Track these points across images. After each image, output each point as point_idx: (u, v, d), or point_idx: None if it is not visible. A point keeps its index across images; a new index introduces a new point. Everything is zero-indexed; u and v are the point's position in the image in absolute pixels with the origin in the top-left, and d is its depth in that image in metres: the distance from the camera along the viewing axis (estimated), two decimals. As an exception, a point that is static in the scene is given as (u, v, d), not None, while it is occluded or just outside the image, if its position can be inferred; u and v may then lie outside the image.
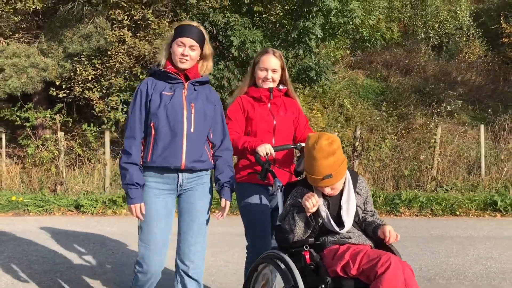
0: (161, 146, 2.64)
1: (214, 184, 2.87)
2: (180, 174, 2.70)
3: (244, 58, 9.86)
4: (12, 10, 9.32)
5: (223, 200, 2.78)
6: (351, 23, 10.96)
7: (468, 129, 12.37)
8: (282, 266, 2.43)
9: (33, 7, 9.17)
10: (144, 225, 2.66)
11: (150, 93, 2.70)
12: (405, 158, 9.60)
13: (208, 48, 2.86)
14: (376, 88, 15.66)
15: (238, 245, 4.71)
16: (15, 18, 9.56)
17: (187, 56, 2.72)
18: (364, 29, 11.32)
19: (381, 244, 2.52)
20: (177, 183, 2.71)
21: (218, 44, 10.63)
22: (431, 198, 7.57)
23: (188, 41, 2.72)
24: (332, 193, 2.52)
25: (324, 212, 2.52)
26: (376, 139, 9.81)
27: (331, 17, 10.38)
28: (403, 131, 10.75)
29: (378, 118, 11.97)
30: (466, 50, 19.56)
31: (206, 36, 2.84)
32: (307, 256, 2.44)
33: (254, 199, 3.02)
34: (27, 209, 7.22)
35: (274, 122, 3.08)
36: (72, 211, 7.27)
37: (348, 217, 2.53)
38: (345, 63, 16.74)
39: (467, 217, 7.14)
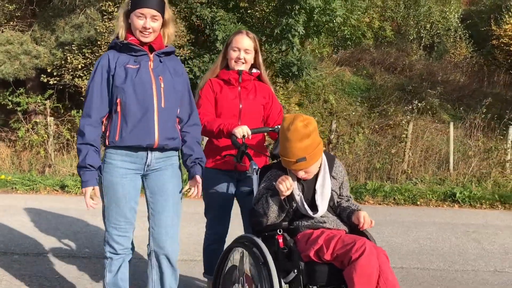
0: (131, 124, 2.47)
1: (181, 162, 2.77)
2: (149, 153, 2.55)
3: (229, 51, 10.32)
4: (7, -1, 9.77)
5: (197, 176, 2.62)
6: (334, 21, 11.41)
7: (446, 127, 12.88)
8: (255, 250, 2.39)
9: (28, -4, 9.63)
10: (112, 206, 2.53)
11: (113, 67, 2.50)
12: (378, 152, 10.10)
13: (168, 13, 2.63)
14: (361, 85, 16.11)
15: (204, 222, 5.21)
16: (10, 7, 10.01)
17: (149, 28, 2.52)
18: (346, 28, 11.74)
19: (355, 229, 2.50)
20: (145, 163, 2.56)
21: (205, 37, 11.11)
22: (395, 188, 8.07)
23: (148, 11, 2.50)
24: (306, 177, 2.47)
25: (298, 195, 2.48)
26: (350, 133, 10.32)
27: (314, 15, 10.85)
28: (376, 126, 11.26)
29: (353, 113, 12.49)
30: (453, 50, 20.05)
31: (166, 0, 2.62)
32: (280, 240, 2.41)
33: (219, 185, 3.02)
34: (15, 188, 7.69)
35: (240, 106, 3.02)
36: (57, 191, 7.74)
37: (322, 202, 2.49)
38: (333, 60, 17.19)
39: (426, 207, 7.63)
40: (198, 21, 10.54)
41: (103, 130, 2.56)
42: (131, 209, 2.58)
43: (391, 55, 18.66)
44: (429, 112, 12.70)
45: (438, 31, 20.42)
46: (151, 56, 2.57)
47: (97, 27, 9.74)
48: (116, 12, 9.87)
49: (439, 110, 14.22)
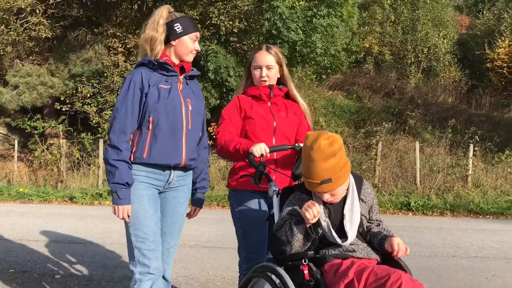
0: (161, 143, 2.50)
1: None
2: (173, 172, 2.60)
3: (220, 80, 11.69)
4: (27, 37, 11.33)
5: (192, 208, 2.81)
6: (316, 52, 12.74)
7: (424, 145, 14.03)
8: (277, 281, 2.20)
9: (45, 35, 11.18)
10: (139, 219, 2.48)
11: (146, 85, 2.51)
12: (352, 168, 11.30)
13: None
14: (351, 107, 17.29)
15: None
16: (30, 44, 11.58)
17: (197, 50, 2.70)
18: (326, 58, 13.04)
19: (388, 257, 2.26)
20: (167, 180, 2.60)
21: (200, 67, 12.54)
22: (356, 199, 9.22)
23: (198, 34, 2.68)
24: (333, 200, 2.24)
25: (325, 221, 2.25)
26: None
27: (296, 47, 12.21)
28: (349, 145, 12.48)
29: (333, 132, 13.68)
30: (443, 74, 21.19)
31: None
32: (306, 271, 2.17)
33: (251, 208, 2.77)
34: (31, 199, 9.07)
35: (275, 123, 2.84)
36: (67, 201, 9.10)
37: (351, 228, 2.26)
38: (326, 85, 18.45)
39: (383, 215, 8.77)
40: (193, 54, 11.94)
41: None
42: (156, 222, 2.55)
43: (382, 79, 19.87)
44: (403, 132, 13.81)
45: (435, 55, 21.51)
46: (181, 78, 2.63)
47: (104, 61, 11.24)
48: (120, 47, 11.37)
49: (421, 130, 15.36)
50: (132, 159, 2.49)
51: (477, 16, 25.50)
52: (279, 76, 2.95)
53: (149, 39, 2.58)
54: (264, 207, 2.78)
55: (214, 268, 4.41)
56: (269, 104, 2.88)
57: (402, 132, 13.89)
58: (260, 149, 2.55)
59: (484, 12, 24.01)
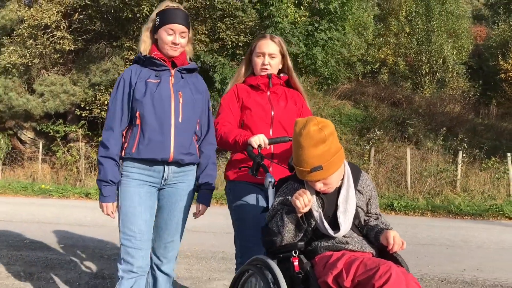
0: (147, 137, 2.47)
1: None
2: (166, 167, 2.54)
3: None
4: (53, 50, 12.56)
5: (199, 204, 2.68)
6: (318, 64, 13.61)
7: (421, 152, 14.70)
8: (269, 274, 2.14)
9: (68, 48, 12.39)
10: (127, 216, 2.47)
11: (134, 81, 2.51)
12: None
13: (191, 32, 2.68)
14: (358, 116, 18.04)
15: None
16: (55, 56, 12.81)
17: (178, 44, 2.55)
18: (326, 69, 13.90)
19: (385, 252, 2.17)
20: (162, 177, 2.55)
21: (208, 79, 13.56)
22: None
23: (178, 27, 2.54)
24: (326, 190, 2.17)
25: (317, 212, 2.18)
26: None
27: (298, 59, 13.12)
28: (352, 152, 13.27)
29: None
30: (451, 85, 21.71)
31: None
32: (296, 263, 2.13)
33: (249, 201, 2.72)
34: (51, 194, 10.19)
35: (272, 113, 2.78)
36: (83, 197, 10.19)
37: (345, 219, 2.18)
38: (336, 94, 19.26)
39: (367, 214, 9.53)
40: (201, 65, 12.97)
41: (122, 141, 2.56)
42: (146, 221, 2.53)
43: (390, 89, 20.57)
44: (404, 140, 14.52)
45: (446, 66, 22.01)
46: (173, 71, 2.58)
47: (120, 72, 12.34)
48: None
49: (422, 138, 16.01)
50: (123, 154, 2.51)
51: (492, 27, 25.88)
52: (280, 67, 2.90)
53: (142, 36, 2.64)
54: (261, 199, 2.73)
55: (189, 244, 5.32)
56: (268, 93, 2.82)
57: (399, 140, 14.58)
58: (258, 140, 2.54)
59: (500, 23, 24.35)
